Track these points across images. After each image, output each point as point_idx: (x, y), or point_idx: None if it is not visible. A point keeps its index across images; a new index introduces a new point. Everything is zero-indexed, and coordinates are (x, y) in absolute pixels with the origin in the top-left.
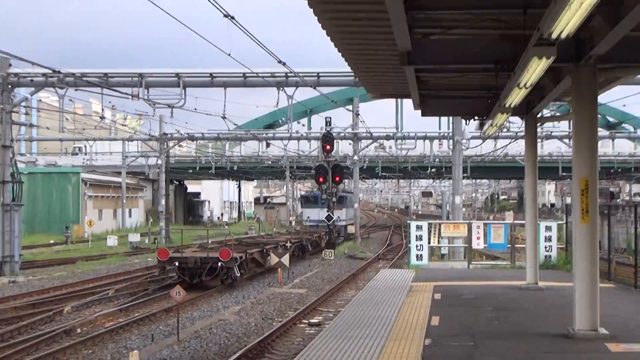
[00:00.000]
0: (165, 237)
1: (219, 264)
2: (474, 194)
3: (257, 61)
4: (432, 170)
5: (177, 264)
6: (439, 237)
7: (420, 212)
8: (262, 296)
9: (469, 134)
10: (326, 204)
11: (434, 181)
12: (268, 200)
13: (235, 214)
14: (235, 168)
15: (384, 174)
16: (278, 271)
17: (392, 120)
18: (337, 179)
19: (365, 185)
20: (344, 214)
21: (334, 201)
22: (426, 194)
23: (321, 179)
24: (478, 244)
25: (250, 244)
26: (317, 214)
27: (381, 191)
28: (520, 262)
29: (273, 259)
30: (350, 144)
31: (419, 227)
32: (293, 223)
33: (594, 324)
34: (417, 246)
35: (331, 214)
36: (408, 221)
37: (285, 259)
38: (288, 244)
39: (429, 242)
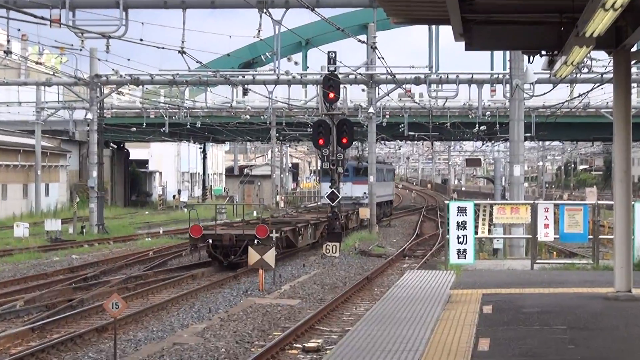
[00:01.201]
0: (97, 225)
1: (256, 242)
2: (540, 163)
3: None
4: (481, 128)
5: (210, 241)
6: (490, 225)
7: (463, 189)
8: (236, 309)
9: (533, 76)
10: (353, 176)
11: (483, 144)
12: (246, 171)
13: (198, 192)
14: (199, 125)
15: (411, 133)
16: (259, 273)
17: (423, 58)
18: (345, 140)
19: (386, 149)
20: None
21: (340, 172)
22: (472, 162)
23: (321, 141)
24: (546, 234)
25: (275, 222)
26: (349, 189)
27: (408, 158)
28: (607, 261)
29: (304, 239)
30: (363, 90)
31: (461, 210)
32: (282, 204)
33: None
34: (458, 238)
35: (337, 191)
36: (446, 201)
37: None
38: (315, 222)
39: (476, 232)
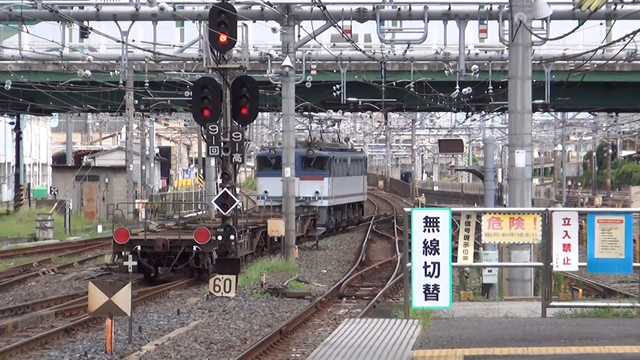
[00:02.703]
0: None
1: (195, 248)
2: (559, 147)
3: None
4: (464, 91)
5: (139, 248)
6: (477, 246)
7: (436, 188)
8: None
9: (547, 7)
10: (301, 169)
11: (467, 117)
12: (86, 160)
13: (9, 194)
14: (8, 86)
15: (352, 99)
16: (106, 325)
17: None
18: (245, 110)
19: (313, 124)
20: (330, 185)
21: (238, 163)
22: (449, 146)
23: (207, 112)
24: (567, 260)
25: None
26: (281, 186)
27: (347, 139)
28: None
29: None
30: (275, 30)
31: (431, 223)
32: (143, 213)
33: None
34: (426, 267)
35: (228, 192)
36: (407, 208)
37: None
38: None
39: (454, 259)
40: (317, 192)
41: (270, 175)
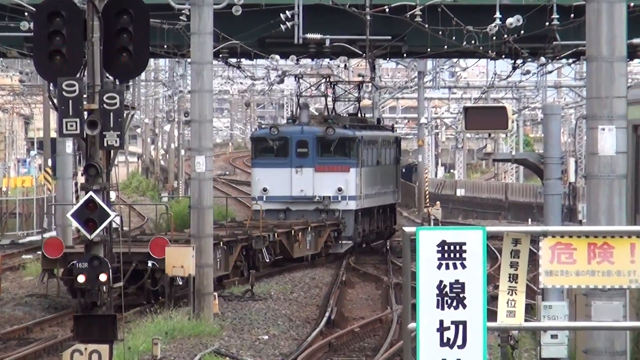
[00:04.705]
0: None
1: (149, 264)
2: None
3: None
4: (510, 23)
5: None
6: (530, 291)
7: (461, 192)
8: None
9: None
10: (316, 156)
11: (514, 70)
12: None
13: None
14: None
15: (312, 35)
16: None
17: None
18: (126, 56)
19: (237, 84)
20: (359, 180)
21: (118, 146)
22: (482, 118)
23: (59, 59)
24: None
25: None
26: (306, 180)
27: (302, 106)
28: None
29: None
30: None
31: (450, 252)
32: None
33: None
34: (443, 329)
35: (97, 198)
36: (409, 228)
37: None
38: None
39: (492, 314)
40: (339, 190)
41: (271, 166)
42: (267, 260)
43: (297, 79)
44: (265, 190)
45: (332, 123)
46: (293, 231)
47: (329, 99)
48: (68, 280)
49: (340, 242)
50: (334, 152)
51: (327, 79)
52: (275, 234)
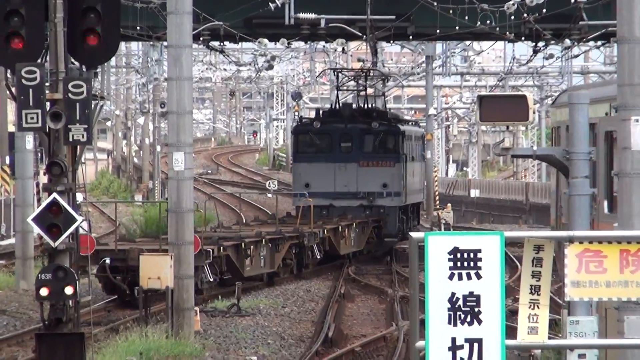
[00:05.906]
0: None
1: (107, 261)
2: None
3: None
4: (531, 1)
5: (107, 261)
6: (554, 305)
7: (475, 193)
8: None
9: None
10: (359, 149)
11: (535, 53)
12: None
13: None
14: None
15: (307, 15)
16: None
17: None
18: (94, 40)
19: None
20: (403, 176)
21: (85, 141)
22: (499, 108)
23: (17, 43)
24: None
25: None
26: (350, 176)
27: (299, 96)
28: None
29: (254, 264)
30: None
31: (464, 260)
32: None
33: None
34: (455, 347)
35: (61, 201)
36: (416, 233)
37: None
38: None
39: (511, 331)
40: (384, 185)
41: (313, 160)
42: (318, 257)
43: (335, 73)
44: (307, 185)
45: (376, 116)
46: (340, 227)
47: (362, 93)
48: (102, 277)
49: (384, 239)
50: (378, 146)
51: (367, 73)
52: (325, 231)
